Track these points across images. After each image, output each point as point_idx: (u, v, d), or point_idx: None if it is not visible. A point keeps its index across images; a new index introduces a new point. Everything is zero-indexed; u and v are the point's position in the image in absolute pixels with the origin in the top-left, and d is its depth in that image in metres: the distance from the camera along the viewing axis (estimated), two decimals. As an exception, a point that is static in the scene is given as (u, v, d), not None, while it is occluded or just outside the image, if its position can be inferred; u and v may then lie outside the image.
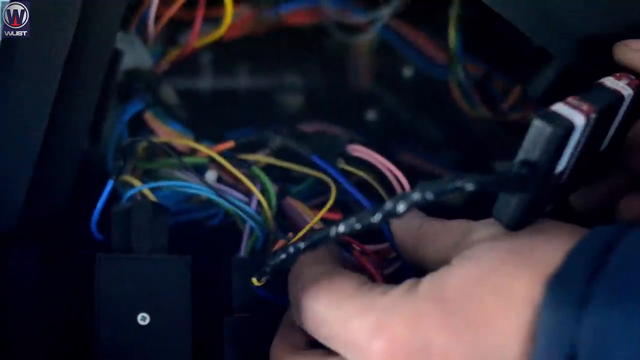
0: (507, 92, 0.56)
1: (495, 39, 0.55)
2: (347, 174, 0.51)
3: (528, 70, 0.54)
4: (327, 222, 0.49)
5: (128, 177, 0.49)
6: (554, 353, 0.32)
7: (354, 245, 0.46)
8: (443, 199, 0.35)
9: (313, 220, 0.49)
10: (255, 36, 0.60)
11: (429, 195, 0.35)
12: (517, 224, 0.38)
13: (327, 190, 0.50)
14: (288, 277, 0.43)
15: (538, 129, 0.36)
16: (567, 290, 0.32)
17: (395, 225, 0.43)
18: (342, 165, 0.51)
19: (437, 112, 0.61)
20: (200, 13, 0.53)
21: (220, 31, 0.53)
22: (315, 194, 0.52)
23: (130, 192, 0.48)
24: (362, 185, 0.52)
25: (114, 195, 0.49)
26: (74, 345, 0.48)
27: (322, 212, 0.48)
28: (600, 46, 0.44)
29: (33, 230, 0.49)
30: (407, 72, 0.61)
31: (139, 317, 0.46)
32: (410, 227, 0.42)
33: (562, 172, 0.38)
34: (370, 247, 0.48)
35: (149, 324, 0.46)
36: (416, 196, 0.35)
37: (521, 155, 0.37)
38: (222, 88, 0.62)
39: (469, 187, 0.35)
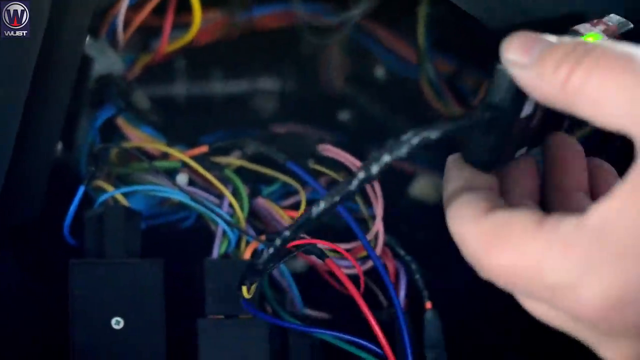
0: (477, 88, 0.56)
1: (464, 35, 0.56)
2: (318, 175, 0.51)
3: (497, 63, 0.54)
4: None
5: (101, 183, 0.50)
6: None
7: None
8: (413, 152, 0.34)
9: (285, 222, 0.49)
10: (229, 40, 0.60)
11: (401, 152, 0.35)
12: (485, 166, 0.38)
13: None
14: None
15: (499, 72, 0.36)
16: None
17: (523, 77, 0.33)
18: (313, 165, 0.52)
19: (409, 111, 0.61)
20: (169, 18, 0.53)
21: (190, 35, 0.54)
22: (287, 194, 0.52)
23: (102, 197, 0.49)
24: (333, 184, 0.52)
25: (88, 201, 0.50)
26: (49, 351, 0.49)
27: (298, 216, 0.49)
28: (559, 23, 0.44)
29: (6, 236, 0.49)
30: (379, 72, 0.62)
31: (113, 321, 0.46)
32: (552, 80, 0.32)
33: (530, 116, 0.38)
34: (342, 246, 0.49)
35: (123, 327, 0.46)
36: (387, 156, 0.35)
37: (486, 98, 0.37)
38: (196, 93, 0.62)
39: (435, 134, 0.34)
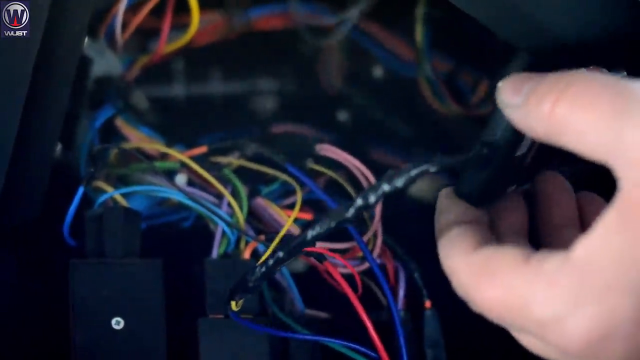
0: (475, 86, 0.56)
1: (462, 35, 0.56)
2: (316, 174, 0.52)
3: (495, 64, 0.54)
4: (300, 222, 0.50)
5: (100, 183, 0.50)
6: None
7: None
8: (411, 184, 0.35)
9: (284, 225, 0.49)
10: (227, 42, 0.60)
11: (399, 183, 0.35)
12: (477, 201, 0.39)
13: (298, 190, 0.51)
14: None
15: (498, 112, 0.37)
16: None
17: (515, 117, 0.34)
18: (312, 165, 0.52)
19: (407, 110, 0.61)
20: (167, 19, 0.53)
21: (188, 36, 0.54)
22: (286, 194, 0.53)
23: (102, 198, 0.49)
24: (332, 184, 0.52)
25: (88, 202, 0.50)
26: (49, 351, 0.49)
27: (292, 217, 0.49)
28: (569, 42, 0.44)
29: (6, 236, 0.49)
30: (377, 71, 0.62)
31: (114, 321, 0.46)
32: (538, 115, 0.33)
33: (524, 155, 0.39)
34: (338, 246, 0.49)
35: (123, 328, 0.46)
36: (385, 186, 0.35)
37: (483, 136, 0.37)
38: (195, 93, 0.62)
39: (433, 169, 0.35)
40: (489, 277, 0.33)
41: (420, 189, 0.59)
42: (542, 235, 0.39)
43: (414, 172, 0.35)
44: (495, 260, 0.33)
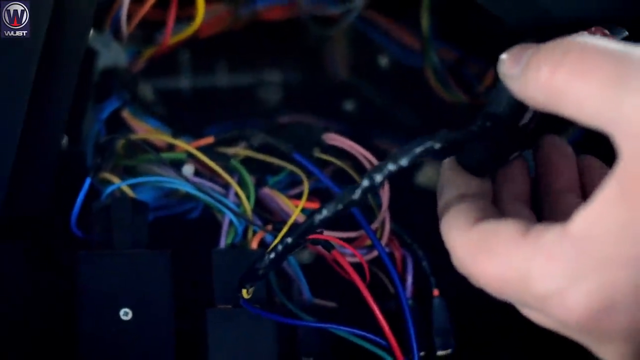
0: (481, 75, 0.56)
1: (468, 23, 0.56)
2: (324, 163, 0.52)
3: (501, 52, 0.54)
4: (307, 211, 0.50)
5: (107, 175, 0.50)
6: None
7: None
8: (416, 162, 0.35)
9: (292, 215, 0.49)
10: (232, 33, 0.60)
11: (404, 162, 0.35)
12: (481, 171, 0.39)
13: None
14: None
15: (502, 84, 0.37)
16: None
17: (515, 88, 0.34)
18: (318, 154, 0.52)
19: (414, 99, 0.61)
20: (173, 11, 0.53)
21: (193, 28, 0.54)
22: (293, 184, 0.53)
23: (109, 189, 0.49)
24: (339, 173, 0.52)
25: (96, 193, 0.50)
26: (58, 342, 0.49)
27: (300, 207, 0.49)
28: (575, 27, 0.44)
29: (14, 228, 0.49)
30: (383, 61, 0.62)
31: (122, 312, 0.46)
32: (536, 84, 0.32)
33: (527, 124, 0.39)
34: (346, 235, 0.49)
35: (131, 318, 0.46)
36: (391, 166, 0.35)
37: (487, 108, 0.37)
38: (201, 85, 0.62)
39: (437, 145, 0.35)
40: (487, 253, 0.33)
41: (427, 177, 0.59)
42: (544, 201, 0.39)
43: (418, 150, 0.35)
44: (493, 236, 0.33)
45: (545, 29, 0.47)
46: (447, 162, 0.39)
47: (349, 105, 0.62)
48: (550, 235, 0.31)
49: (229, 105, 0.62)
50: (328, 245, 0.47)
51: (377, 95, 0.62)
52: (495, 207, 0.37)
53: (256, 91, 0.63)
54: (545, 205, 0.39)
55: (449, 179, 0.38)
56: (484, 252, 0.33)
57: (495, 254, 0.33)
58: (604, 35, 0.42)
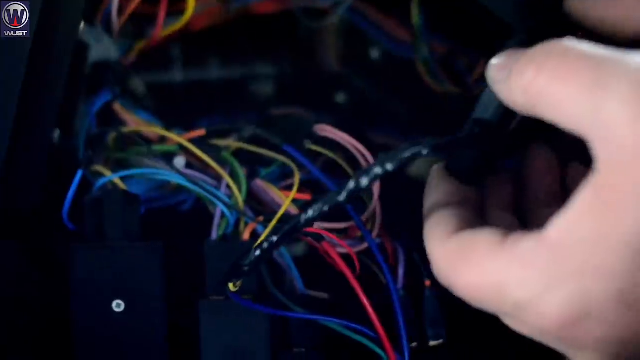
0: (472, 67, 0.56)
1: (459, 15, 0.56)
2: (315, 155, 0.52)
3: (491, 44, 0.54)
4: (298, 202, 0.50)
5: (99, 168, 0.50)
6: None
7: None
8: (403, 166, 0.35)
9: (283, 206, 0.49)
10: (224, 26, 0.60)
11: (390, 166, 0.35)
12: (472, 177, 0.39)
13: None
14: None
15: (489, 89, 0.37)
16: None
17: (503, 93, 0.34)
18: (310, 146, 0.52)
19: (406, 91, 0.61)
20: (164, 3, 0.53)
21: (184, 20, 0.54)
22: (285, 176, 0.53)
23: (100, 182, 0.49)
24: (331, 164, 0.52)
25: (88, 186, 0.50)
26: (52, 335, 0.49)
27: (289, 199, 0.49)
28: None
29: (7, 223, 0.49)
30: (375, 53, 0.62)
31: (114, 304, 0.46)
32: (519, 88, 0.33)
33: (518, 129, 0.39)
34: (337, 225, 0.49)
35: (124, 310, 0.47)
36: (377, 169, 0.36)
37: (475, 113, 0.38)
38: (192, 78, 0.62)
39: (425, 151, 0.35)
40: (465, 263, 0.33)
41: (419, 168, 0.59)
42: (527, 210, 0.39)
43: (405, 155, 0.35)
44: (471, 245, 0.33)
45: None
46: (436, 168, 0.39)
47: (341, 98, 0.63)
48: (526, 244, 0.31)
49: (221, 98, 0.62)
50: (317, 237, 0.47)
51: (369, 87, 0.62)
52: (478, 216, 0.37)
53: (248, 84, 0.63)
54: (528, 215, 0.39)
55: (434, 185, 0.39)
56: (461, 262, 0.34)
57: (472, 264, 0.33)
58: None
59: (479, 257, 0.33)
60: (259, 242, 0.42)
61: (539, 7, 0.46)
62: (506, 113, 0.37)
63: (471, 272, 0.33)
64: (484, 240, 0.33)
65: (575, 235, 0.30)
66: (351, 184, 0.36)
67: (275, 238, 0.40)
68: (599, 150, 0.29)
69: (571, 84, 0.30)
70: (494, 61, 0.35)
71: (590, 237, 0.29)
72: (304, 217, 0.38)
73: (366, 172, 0.36)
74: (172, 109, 0.60)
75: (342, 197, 0.37)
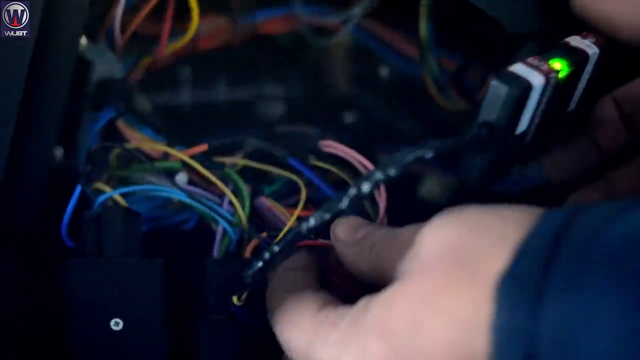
0: (482, 83, 0.55)
1: (468, 30, 0.55)
2: (321, 172, 0.51)
3: (501, 59, 0.53)
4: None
5: (100, 185, 0.49)
6: (511, 353, 0.30)
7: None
8: (406, 171, 0.34)
9: (289, 220, 0.48)
10: (231, 46, 0.60)
11: (391, 171, 0.34)
12: (481, 185, 0.38)
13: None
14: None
15: (495, 89, 0.36)
16: (519, 287, 0.30)
17: (345, 253, 0.41)
18: (315, 161, 0.51)
19: (415, 109, 0.60)
20: (168, 18, 0.53)
21: (189, 35, 0.53)
22: (289, 193, 0.51)
23: (101, 198, 0.48)
24: (336, 183, 0.51)
25: (89, 205, 0.49)
26: (48, 352, 0.48)
27: (296, 214, 0.48)
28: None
29: (5, 238, 0.49)
30: (383, 72, 0.61)
31: (112, 322, 0.45)
32: (361, 250, 0.40)
33: (524, 133, 0.38)
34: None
35: (122, 329, 0.45)
36: (379, 174, 0.34)
37: (480, 116, 0.36)
38: (199, 99, 0.62)
39: (429, 154, 0.34)
40: (289, 323, 0.39)
41: (430, 188, 0.58)
42: None
43: (408, 159, 0.34)
44: (298, 307, 0.39)
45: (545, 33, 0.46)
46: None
47: (349, 118, 0.62)
48: (338, 310, 0.37)
49: (229, 119, 0.61)
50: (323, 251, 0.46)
51: (378, 106, 0.61)
52: (313, 279, 0.43)
53: (255, 105, 0.62)
54: None
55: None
56: (287, 322, 0.39)
57: (293, 323, 0.38)
58: (595, 38, 0.41)
59: (299, 317, 0.38)
60: (273, 237, 0.42)
61: (547, 14, 0.45)
62: (511, 113, 0.36)
63: (291, 332, 0.38)
64: (308, 303, 0.39)
65: (375, 303, 0.34)
66: (352, 190, 0.35)
67: (277, 248, 0.39)
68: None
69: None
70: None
71: (386, 305, 0.34)
72: (305, 226, 0.37)
73: (367, 177, 0.35)
74: (179, 129, 0.59)
75: (343, 204, 0.36)
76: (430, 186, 0.58)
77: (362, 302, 0.35)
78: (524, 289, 0.30)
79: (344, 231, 0.41)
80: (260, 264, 0.40)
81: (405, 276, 0.34)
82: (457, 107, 0.55)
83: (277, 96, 0.62)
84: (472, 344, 0.31)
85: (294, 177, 0.50)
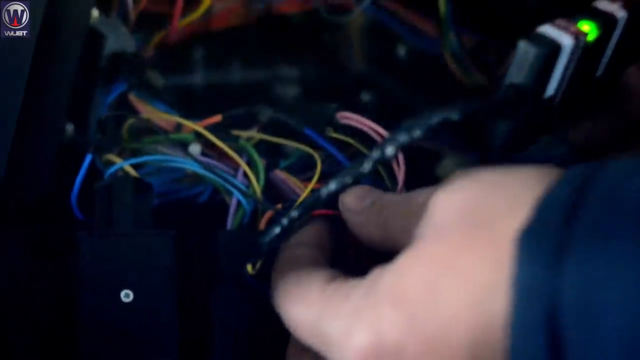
0: (501, 59, 0.54)
1: (485, 7, 0.54)
2: (338, 144, 0.49)
3: (521, 34, 0.52)
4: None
5: (111, 156, 0.48)
6: (532, 312, 0.28)
7: None
8: (431, 135, 0.33)
9: (304, 192, 0.47)
10: (246, 26, 0.59)
11: (416, 132, 0.33)
12: (504, 154, 0.36)
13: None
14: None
15: (523, 50, 0.35)
16: (541, 241, 0.29)
17: (354, 221, 0.40)
18: (332, 133, 0.49)
19: (433, 88, 0.59)
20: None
21: (202, 8, 0.52)
22: (305, 168, 0.50)
23: (111, 169, 0.47)
24: (353, 157, 0.50)
25: (99, 176, 0.48)
26: (61, 325, 0.47)
27: (311, 186, 0.47)
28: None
29: (16, 213, 0.48)
30: (401, 50, 0.60)
31: (122, 294, 0.44)
32: (369, 215, 0.39)
33: (552, 97, 0.37)
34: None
35: (132, 300, 0.44)
36: (403, 136, 0.33)
37: (508, 78, 0.35)
38: (214, 81, 0.61)
39: (455, 116, 0.33)
40: (295, 297, 0.37)
41: (447, 168, 0.56)
42: None
43: (433, 121, 0.33)
44: (306, 282, 0.37)
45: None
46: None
47: (366, 97, 0.60)
48: (349, 282, 0.35)
49: (244, 100, 0.60)
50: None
51: (395, 85, 0.60)
52: (323, 257, 0.41)
53: (271, 86, 0.61)
54: None
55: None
56: (293, 296, 0.38)
57: (301, 298, 0.37)
58: (625, 1, 0.40)
59: (307, 292, 0.37)
60: (287, 208, 0.40)
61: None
62: (540, 75, 0.35)
63: (298, 306, 0.37)
64: (316, 277, 0.37)
65: (385, 275, 0.33)
66: (375, 153, 0.34)
67: (295, 213, 0.38)
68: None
69: None
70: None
71: (396, 277, 0.33)
72: (325, 191, 0.36)
73: (391, 139, 0.34)
74: (193, 111, 0.58)
75: (365, 167, 0.34)
76: (448, 165, 0.56)
77: (375, 272, 0.34)
78: (546, 243, 0.29)
79: (352, 200, 0.39)
80: (277, 229, 0.39)
81: (419, 241, 0.33)
82: (477, 83, 0.54)
83: (292, 77, 0.61)
84: (491, 306, 0.30)
85: (310, 150, 0.49)
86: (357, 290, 0.34)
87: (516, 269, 0.29)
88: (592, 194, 0.29)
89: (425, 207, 0.34)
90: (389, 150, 0.34)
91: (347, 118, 0.49)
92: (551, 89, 0.36)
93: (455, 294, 0.31)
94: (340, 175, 0.36)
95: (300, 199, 0.45)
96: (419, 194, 0.37)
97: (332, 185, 0.36)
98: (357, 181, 0.36)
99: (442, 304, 0.31)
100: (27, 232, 0.48)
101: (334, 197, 0.36)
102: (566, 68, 0.36)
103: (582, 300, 0.27)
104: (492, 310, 0.30)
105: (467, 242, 0.31)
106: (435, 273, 0.31)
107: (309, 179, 0.48)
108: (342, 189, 0.36)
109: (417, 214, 0.35)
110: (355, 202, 0.39)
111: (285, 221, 0.39)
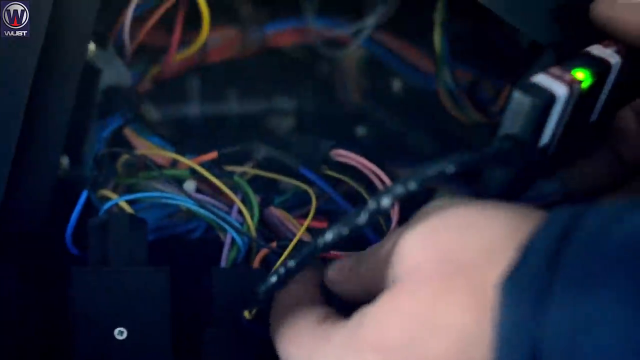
0: (497, 95, 0.54)
1: (482, 42, 0.54)
2: (333, 182, 0.49)
3: (516, 70, 0.52)
4: (313, 231, 0.48)
5: (107, 192, 0.48)
6: (516, 357, 0.29)
7: None
8: (427, 186, 0.33)
9: (299, 232, 0.47)
10: (242, 59, 0.59)
11: (412, 185, 0.33)
12: (504, 198, 0.36)
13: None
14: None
15: (518, 100, 0.34)
16: (524, 288, 0.29)
17: (338, 289, 0.41)
18: (327, 171, 0.49)
19: (428, 122, 0.59)
20: (178, 26, 0.52)
21: (199, 43, 0.52)
22: (299, 204, 0.50)
23: (106, 205, 0.47)
24: (348, 195, 0.50)
25: (94, 212, 0.48)
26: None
27: (306, 224, 0.47)
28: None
29: (9, 247, 0.47)
30: (396, 84, 0.60)
31: (116, 331, 0.44)
32: (350, 281, 0.40)
33: (547, 145, 0.37)
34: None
35: (126, 338, 0.44)
36: (399, 189, 0.33)
37: (503, 129, 0.35)
38: (209, 112, 0.61)
39: (450, 169, 0.33)
40: (290, 335, 0.39)
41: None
42: None
43: (429, 173, 0.33)
44: (302, 320, 0.39)
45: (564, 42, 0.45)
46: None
47: (361, 131, 0.61)
48: (339, 323, 0.36)
49: (239, 133, 0.61)
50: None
51: (391, 119, 0.61)
52: (317, 293, 0.42)
53: (266, 119, 0.61)
54: None
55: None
56: (288, 334, 0.39)
57: (294, 336, 0.38)
58: (617, 46, 0.40)
59: (299, 330, 0.38)
60: (275, 267, 0.40)
61: (566, 22, 0.44)
62: (535, 125, 0.35)
63: (291, 347, 0.38)
64: (310, 317, 0.39)
65: (368, 317, 0.34)
66: (371, 204, 0.34)
67: (292, 263, 0.38)
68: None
69: None
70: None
71: (381, 319, 0.33)
72: (321, 241, 0.36)
73: (387, 191, 0.33)
74: (188, 142, 0.58)
75: (362, 219, 0.34)
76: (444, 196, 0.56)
77: (357, 316, 0.35)
78: (529, 290, 0.29)
79: (334, 275, 0.42)
80: (274, 278, 0.39)
81: (396, 286, 0.33)
82: (472, 119, 0.54)
83: (287, 109, 0.61)
84: (474, 354, 0.30)
85: (305, 187, 0.49)
86: (342, 332, 0.35)
87: (500, 315, 0.29)
88: (575, 240, 0.29)
89: (394, 251, 0.34)
90: (385, 202, 0.34)
91: (342, 156, 0.49)
92: (546, 137, 0.36)
93: (436, 344, 0.31)
94: (336, 226, 0.35)
95: (295, 239, 0.45)
96: (387, 239, 0.37)
97: (329, 236, 0.36)
98: (353, 232, 0.36)
99: (423, 356, 0.31)
100: (21, 265, 0.48)
101: (329, 247, 0.36)
102: (561, 117, 0.36)
103: (565, 345, 0.27)
104: (474, 357, 0.30)
105: (447, 288, 0.31)
106: (415, 322, 0.32)
107: (304, 216, 0.49)
108: (339, 239, 0.36)
109: (386, 260, 0.35)
110: (337, 275, 0.41)
111: (282, 270, 0.39)
